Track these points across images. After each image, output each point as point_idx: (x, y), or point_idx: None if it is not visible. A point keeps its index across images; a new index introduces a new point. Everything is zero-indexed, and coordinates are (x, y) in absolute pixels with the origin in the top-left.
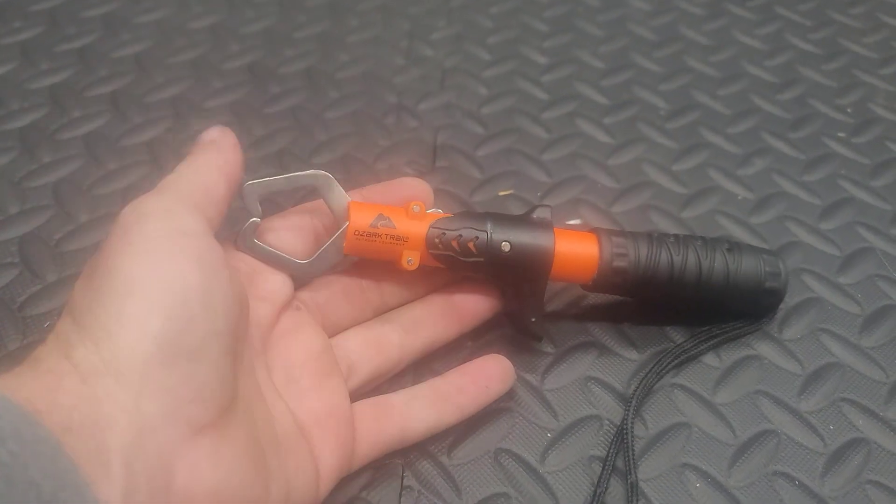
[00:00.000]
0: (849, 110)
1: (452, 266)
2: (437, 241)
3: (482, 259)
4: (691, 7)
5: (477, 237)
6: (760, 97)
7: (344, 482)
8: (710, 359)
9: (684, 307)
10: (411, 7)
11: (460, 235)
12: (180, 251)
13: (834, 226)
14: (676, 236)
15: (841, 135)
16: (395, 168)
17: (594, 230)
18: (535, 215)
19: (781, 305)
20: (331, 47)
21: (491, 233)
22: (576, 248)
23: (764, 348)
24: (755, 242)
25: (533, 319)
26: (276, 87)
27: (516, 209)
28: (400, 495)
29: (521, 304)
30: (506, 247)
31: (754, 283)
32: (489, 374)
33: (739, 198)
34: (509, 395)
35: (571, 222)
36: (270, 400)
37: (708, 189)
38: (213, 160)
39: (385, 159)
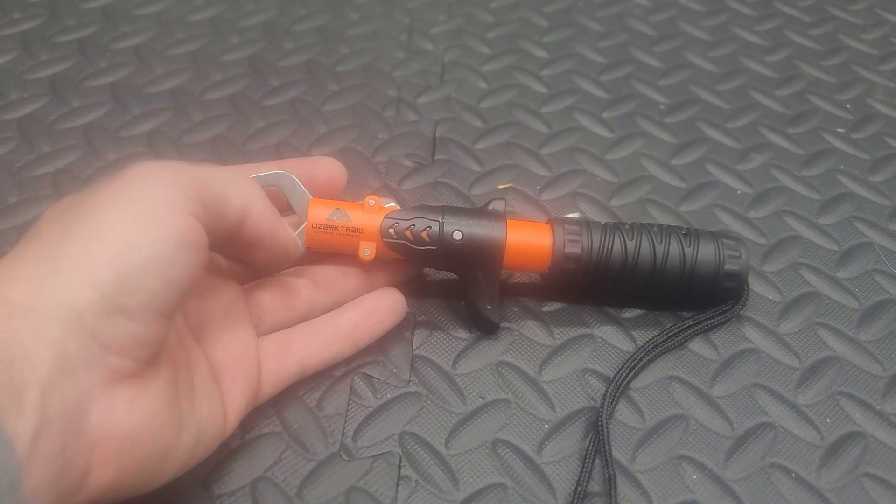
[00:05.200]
0: (848, 106)
1: (407, 255)
2: (391, 230)
3: (435, 248)
4: (691, 3)
5: (430, 227)
6: (760, 93)
7: (342, 471)
8: (707, 351)
9: (647, 293)
10: (411, 1)
11: (413, 225)
12: (160, 221)
13: (832, 221)
14: (633, 224)
15: (840, 130)
16: (394, 161)
17: (550, 220)
18: (490, 207)
19: (779, 298)
20: (330, 40)
21: (443, 222)
22: (528, 236)
23: (762, 341)
24: (754, 237)
25: (489, 307)
26: (275, 79)
27: (515, 203)
28: (397, 485)
29: (476, 293)
30: (457, 236)
31: (713, 266)
32: (384, 308)
33: (738, 192)
34: (507, 386)
35: (570, 216)
36: (189, 347)
37: (707, 184)
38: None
39: (384, 152)
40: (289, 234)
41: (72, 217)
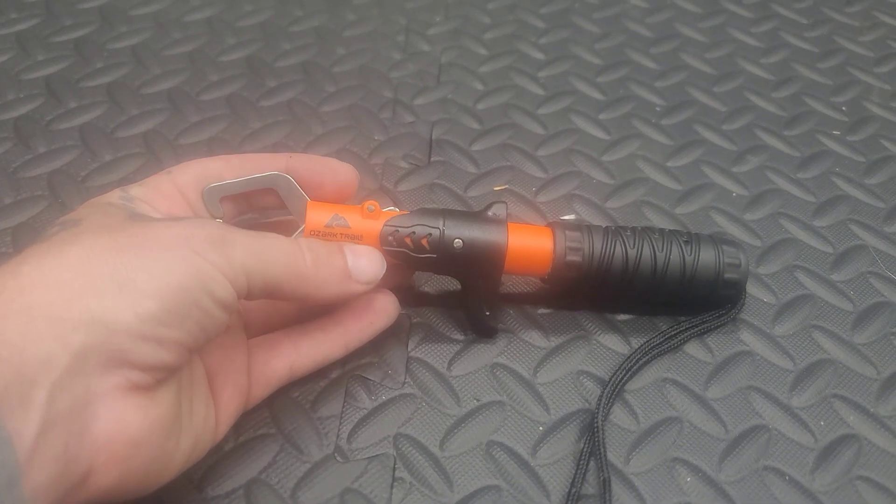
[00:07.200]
0: (844, 108)
1: (406, 262)
2: (390, 238)
3: (435, 255)
4: (688, 5)
5: (430, 234)
6: (756, 94)
7: (336, 473)
8: (702, 354)
9: (645, 300)
10: (408, 2)
11: (413, 232)
12: (213, 282)
13: (827, 223)
14: (634, 229)
15: (836, 133)
16: (390, 162)
17: (550, 224)
18: (491, 212)
19: (774, 300)
20: (327, 41)
21: (444, 230)
22: (529, 243)
23: (756, 344)
24: (749, 239)
25: (487, 313)
26: (272, 80)
27: (511, 204)
28: (391, 487)
29: (475, 298)
30: (458, 244)
31: (713, 274)
32: (374, 310)
33: (734, 195)
34: (502, 388)
35: (566, 217)
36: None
37: (702, 185)
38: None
39: (381, 154)
40: (357, 291)
41: (125, 240)
